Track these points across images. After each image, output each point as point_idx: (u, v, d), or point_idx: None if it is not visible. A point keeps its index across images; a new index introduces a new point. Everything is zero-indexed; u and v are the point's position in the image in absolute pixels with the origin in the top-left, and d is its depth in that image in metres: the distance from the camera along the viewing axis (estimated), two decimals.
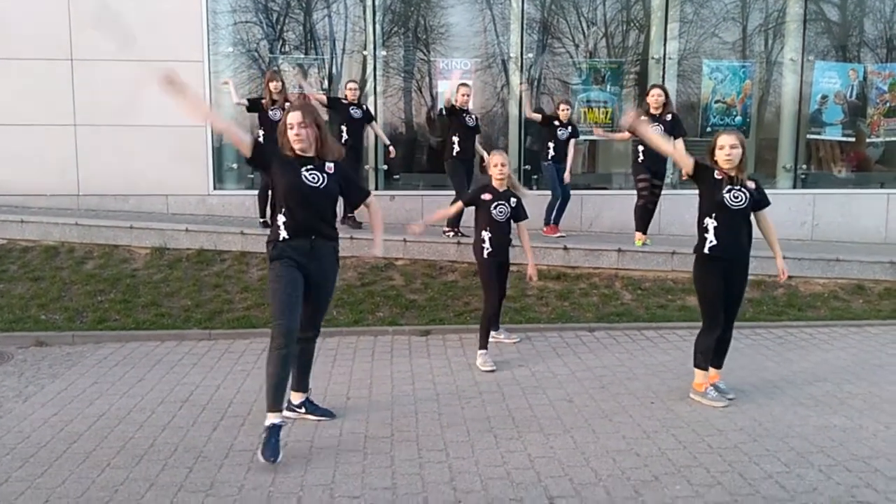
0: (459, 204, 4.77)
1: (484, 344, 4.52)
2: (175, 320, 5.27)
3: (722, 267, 3.72)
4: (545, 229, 6.96)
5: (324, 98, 6.90)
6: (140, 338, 5.01)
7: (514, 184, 4.62)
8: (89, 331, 5.08)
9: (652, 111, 6.32)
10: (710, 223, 3.69)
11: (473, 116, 6.71)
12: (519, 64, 7.93)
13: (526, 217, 4.60)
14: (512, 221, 4.54)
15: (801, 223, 7.90)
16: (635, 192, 6.59)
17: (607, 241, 6.55)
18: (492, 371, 4.39)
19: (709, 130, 8.14)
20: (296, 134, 3.24)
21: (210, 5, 7.47)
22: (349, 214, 6.91)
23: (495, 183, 4.51)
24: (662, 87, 6.48)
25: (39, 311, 5.34)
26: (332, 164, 3.37)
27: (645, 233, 6.55)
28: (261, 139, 6.84)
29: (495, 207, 4.44)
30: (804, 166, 8.33)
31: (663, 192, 6.68)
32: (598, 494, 2.84)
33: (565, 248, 6.31)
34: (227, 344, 4.94)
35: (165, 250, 6.36)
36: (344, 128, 6.87)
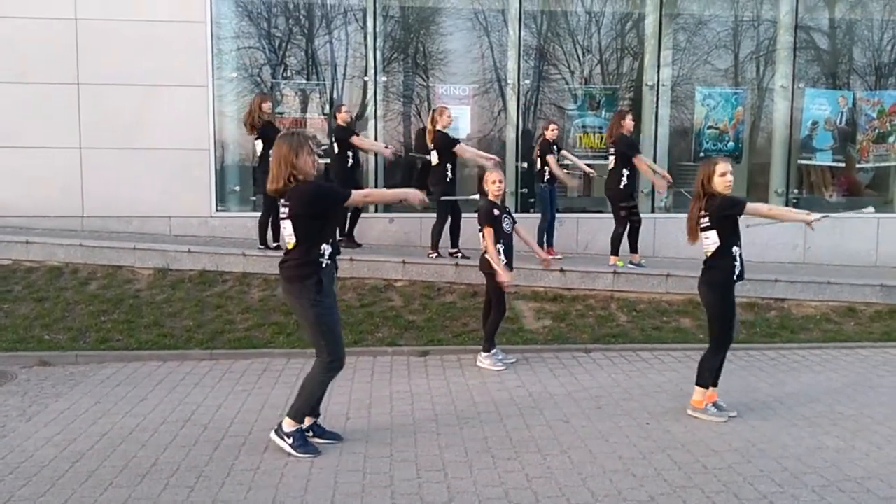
0: (491, 229, 4.80)
1: (492, 345, 4.89)
2: (177, 340, 5.32)
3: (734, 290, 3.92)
4: (554, 252, 7.09)
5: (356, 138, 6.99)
6: (142, 358, 5.06)
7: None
8: (92, 351, 5.12)
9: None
10: (737, 251, 3.86)
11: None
12: (516, 89, 8.11)
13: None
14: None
15: (793, 246, 8.01)
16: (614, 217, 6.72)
17: (603, 264, 6.64)
18: (503, 370, 4.69)
19: (702, 156, 8.28)
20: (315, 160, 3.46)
21: (214, 31, 7.64)
22: (346, 235, 7.00)
23: (493, 198, 4.83)
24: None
25: (43, 332, 5.39)
26: None
27: (617, 254, 6.69)
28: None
29: (504, 221, 4.84)
30: (795, 191, 8.47)
31: (656, 215, 6.83)
32: None
33: (562, 270, 6.40)
34: (228, 364, 4.98)
35: (168, 271, 6.42)
36: (350, 153, 6.99)
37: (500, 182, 4.81)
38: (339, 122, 6.95)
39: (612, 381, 4.68)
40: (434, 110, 6.70)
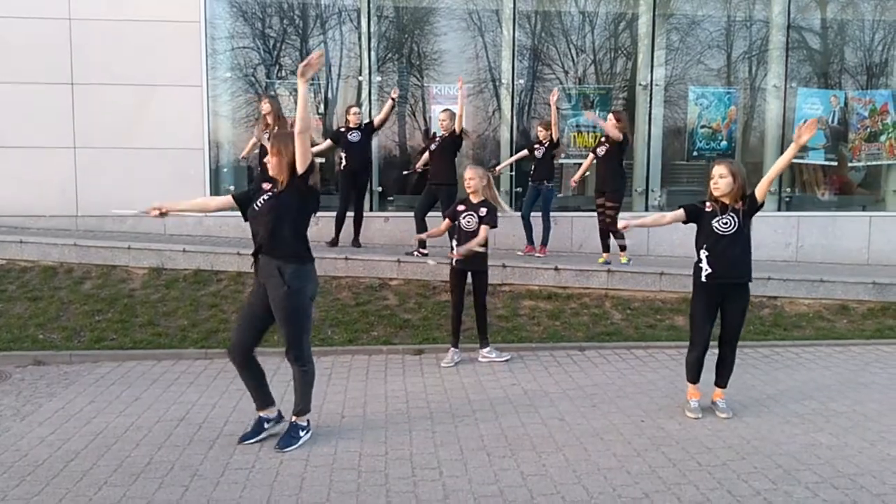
0: (447, 221, 5.06)
1: (454, 342, 5.03)
2: (172, 340, 5.31)
3: (718, 293, 3.85)
4: (532, 249, 7.10)
5: (326, 143, 7.09)
6: (137, 357, 5.05)
7: (496, 198, 5.00)
8: (87, 350, 5.11)
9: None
10: (703, 254, 3.84)
11: (439, 138, 6.81)
12: (510, 89, 8.13)
13: (492, 224, 4.85)
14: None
15: (786, 245, 8.07)
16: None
17: (597, 262, 6.66)
18: (448, 367, 4.86)
19: (695, 155, 8.34)
20: (267, 161, 3.55)
21: (209, 31, 7.63)
22: (333, 239, 7.00)
23: (471, 196, 4.93)
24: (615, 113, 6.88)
25: (38, 331, 5.37)
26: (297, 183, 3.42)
27: (607, 251, 6.74)
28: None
29: (464, 217, 4.87)
30: (788, 189, 8.53)
31: (650, 214, 6.84)
32: None
33: (556, 269, 6.43)
34: (223, 363, 4.94)
35: (163, 270, 6.41)
36: (343, 154, 7.03)
37: (469, 179, 4.90)
38: (351, 124, 7.01)
39: (606, 379, 4.70)
40: None
